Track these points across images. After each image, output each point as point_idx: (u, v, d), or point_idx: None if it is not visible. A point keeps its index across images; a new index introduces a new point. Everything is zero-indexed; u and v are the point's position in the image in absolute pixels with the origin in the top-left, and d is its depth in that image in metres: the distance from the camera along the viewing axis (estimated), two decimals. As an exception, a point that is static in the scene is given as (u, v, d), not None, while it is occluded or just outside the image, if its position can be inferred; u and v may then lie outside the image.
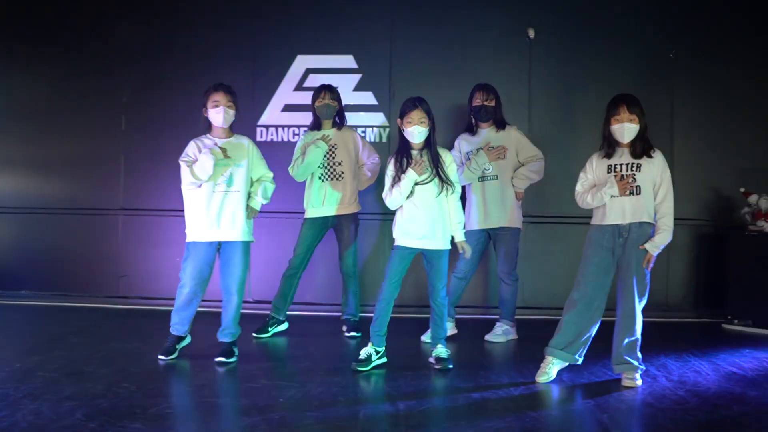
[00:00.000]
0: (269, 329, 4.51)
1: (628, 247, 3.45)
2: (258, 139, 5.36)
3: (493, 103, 4.43)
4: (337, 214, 4.50)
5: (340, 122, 4.58)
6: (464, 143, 4.52)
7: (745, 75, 5.32)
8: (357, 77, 5.33)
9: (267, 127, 5.41)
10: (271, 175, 4.03)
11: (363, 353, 3.71)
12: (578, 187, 3.63)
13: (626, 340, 3.45)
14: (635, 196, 3.43)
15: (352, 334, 4.50)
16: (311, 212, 4.52)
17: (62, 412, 2.84)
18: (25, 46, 5.70)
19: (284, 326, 4.59)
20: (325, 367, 3.73)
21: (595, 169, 3.57)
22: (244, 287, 3.90)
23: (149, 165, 5.48)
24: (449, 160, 3.79)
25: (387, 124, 5.34)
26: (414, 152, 3.73)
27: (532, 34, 5.29)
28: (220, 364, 3.74)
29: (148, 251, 5.50)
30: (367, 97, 5.33)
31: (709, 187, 5.32)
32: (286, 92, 5.39)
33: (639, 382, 3.42)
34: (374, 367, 3.69)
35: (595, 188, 3.52)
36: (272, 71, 5.41)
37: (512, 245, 4.45)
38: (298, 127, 5.36)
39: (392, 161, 3.76)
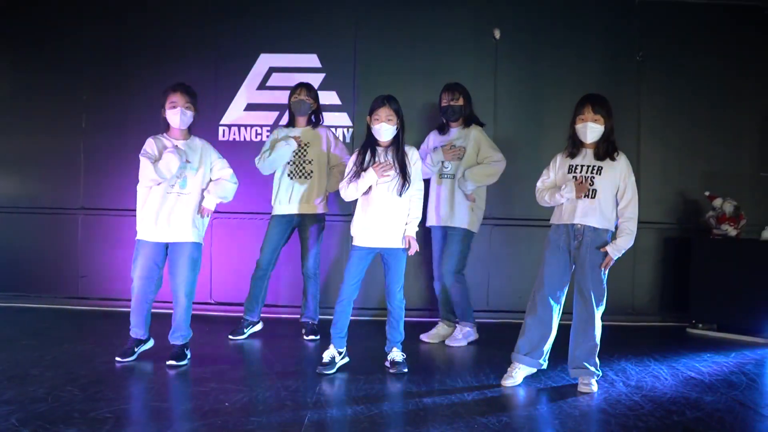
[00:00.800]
0: (245, 330, 4.45)
1: (582, 251, 3.41)
2: (220, 138, 5.28)
3: (460, 102, 4.40)
4: (302, 212, 4.43)
5: (315, 121, 4.53)
6: (432, 139, 4.56)
7: (711, 80, 5.33)
8: (321, 76, 5.25)
9: (229, 126, 5.32)
10: (230, 171, 3.91)
11: (326, 356, 3.65)
12: (539, 184, 3.61)
13: (583, 345, 3.41)
14: (590, 199, 3.39)
15: (311, 337, 4.43)
16: (277, 209, 4.46)
17: (-5, 417, 2.75)
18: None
19: (259, 327, 4.55)
20: (278, 370, 3.67)
21: (557, 168, 3.54)
22: (193, 289, 3.81)
23: (110, 164, 5.36)
24: (414, 158, 3.75)
25: (351, 124, 5.28)
26: (380, 149, 3.69)
27: (498, 35, 5.25)
28: (171, 367, 3.65)
29: (108, 251, 5.38)
30: (331, 97, 5.24)
31: (675, 191, 5.32)
32: (248, 91, 5.31)
33: (595, 387, 3.38)
34: (339, 368, 3.64)
35: (554, 188, 3.49)
36: (235, 70, 5.32)
37: (455, 246, 4.35)
38: (261, 126, 5.29)
39: (356, 154, 3.73)
